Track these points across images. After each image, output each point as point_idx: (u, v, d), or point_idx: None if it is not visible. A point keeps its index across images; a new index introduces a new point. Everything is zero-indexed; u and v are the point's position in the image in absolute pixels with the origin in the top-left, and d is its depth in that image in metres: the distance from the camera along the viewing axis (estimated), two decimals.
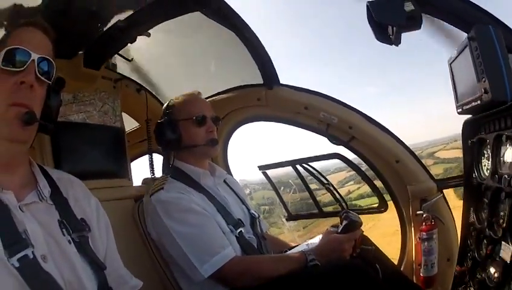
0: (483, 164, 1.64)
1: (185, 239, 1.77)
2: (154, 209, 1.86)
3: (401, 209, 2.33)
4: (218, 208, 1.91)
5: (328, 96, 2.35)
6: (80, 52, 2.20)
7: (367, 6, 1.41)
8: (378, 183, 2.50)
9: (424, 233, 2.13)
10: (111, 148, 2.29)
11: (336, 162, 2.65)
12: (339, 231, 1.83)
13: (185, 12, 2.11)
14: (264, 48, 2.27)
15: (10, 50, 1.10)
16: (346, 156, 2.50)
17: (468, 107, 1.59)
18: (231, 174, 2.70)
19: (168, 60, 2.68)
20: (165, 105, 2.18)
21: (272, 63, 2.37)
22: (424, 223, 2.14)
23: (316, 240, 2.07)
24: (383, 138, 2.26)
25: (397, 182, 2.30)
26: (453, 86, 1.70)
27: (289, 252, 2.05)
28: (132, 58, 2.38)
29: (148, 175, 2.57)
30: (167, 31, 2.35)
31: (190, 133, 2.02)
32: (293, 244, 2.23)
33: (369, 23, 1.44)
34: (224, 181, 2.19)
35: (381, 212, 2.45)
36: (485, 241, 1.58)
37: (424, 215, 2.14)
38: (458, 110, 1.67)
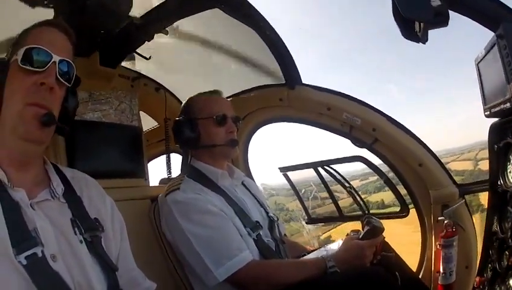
0: (508, 171, 1.56)
1: (201, 241, 1.73)
2: (169, 210, 1.83)
3: (423, 214, 2.27)
4: (236, 210, 1.86)
5: (351, 96, 2.28)
6: (97, 51, 2.15)
7: (393, 1, 1.31)
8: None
9: (444, 240, 2.07)
10: (127, 147, 2.25)
11: (350, 170, 2.61)
12: (360, 236, 1.78)
13: (203, 9, 2.07)
14: (285, 46, 2.21)
15: (30, 49, 1.09)
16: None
17: (496, 109, 1.49)
18: (252, 177, 2.67)
19: (186, 58, 2.63)
20: (184, 102, 2.14)
21: (294, 62, 2.30)
22: (445, 230, 2.07)
23: (335, 245, 2.02)
24: (406, 140, 2.20)
25: (419, 186, 2.24)
26: (480, 87, 1.60)
27: (307, 256, 2.00)
28: (150, 57, 2.33)
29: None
30: (186, 29, 2.31)
31: (209, 133, 1.97)
32: (311, 249, 2.19)
33: (394, 19, 1.35)
34: (242, 183, 2.14)
35: (403, 217, 2.39)
36: (507, 252, 1.50)
37: (446, 221, 2.07)
38: (486, 113, 1.58)
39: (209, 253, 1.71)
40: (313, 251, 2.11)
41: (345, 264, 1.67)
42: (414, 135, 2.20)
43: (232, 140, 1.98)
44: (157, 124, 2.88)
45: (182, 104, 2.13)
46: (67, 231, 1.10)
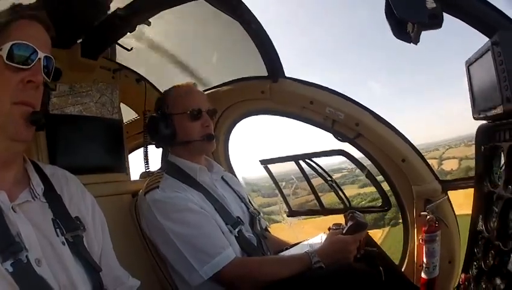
0: (495, 172, 1.59)
1: (183, 240, 1.71)
2: (148, 209, 1.80)
3: (405, 209, 2.29)
4: (217, 207, 1.85)
5: (335, 91, 2.28)
6: (78, 42, 2.08)
7: (386, 0, 1.30)
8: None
9: (427, 235, 2.08)
10: (108, 141, 2.22)
11: (329, 163, 2.62)
12: (344, 231, 1.79)
13: (187, 0, 2.02)
14: (270, 39, 2.19)
15: (16, 45, 1.05)
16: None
17: (486, 114, 1.52)
18: (233, 171, 2.66)
19: (167, 49, 2.58)
20: (158, 97, 2.10)
21: (278, 54, 2.28)
22: (427, 225, 2.08)
23: (318, 239, 2.03)
24: (389, 136, 2.20)
25: (402, 182, 2.25)
26: (470, 89, 1.63)
27: (290, 250, 2.02)
28: (132, 48, 2.28)
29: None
30: (168, 20, 2.26)
31: (184, 128, 1.94)
32: (292, 243, 2.18)
33: (386, 18, 1.33)
34: (222, 178, 2.12)
35: (385, 211, 2.40)
36: (492, 251, 1.51)
37: (428, 216, 2.08)
38: (474, 116, 1.61)
39: (192, 252, 1.69)
40: (294, 244, 2.11)
41: (329, 259, 1.68)
42: (397, 130, 2.20)
43: (208, 134, 1.94)
44: (137, 115, 2.83)
45: (157, 98, 2.09)
46: (50, 233, 1.09)
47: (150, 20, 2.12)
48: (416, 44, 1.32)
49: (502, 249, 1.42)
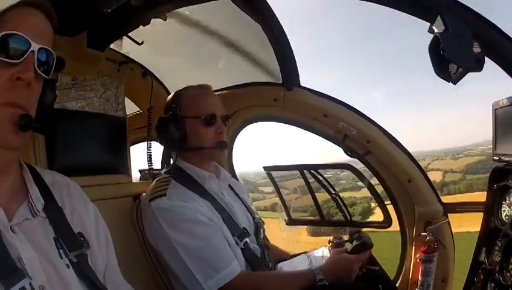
0: (503, 209, 1.70)
1: (188, 251, 1.66)
2: (153, 216, 1.73)
3: (405, 227, 2.35)
4: (224, 217, 1.80)
5: (349, 105, 2.26)
6: (85, 30, 1.89)
7: (436, 37, 1.31)
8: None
9: (425, 255, 2.17)
10: (111, 140, 2.08)
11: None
12: (349, 250, 1.83)
13: None
14: (290, 46, 2.10)
15: (5, 36, 0.92)
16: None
17: (506, 159, 1.62)
18: (235, 176, 2.60)
19: (179, 45, 2.43)
20: (169, 97, 1.98)
21: (296, 63, 2.20)
22: (427, 245, 2.17)
23: (319, 253, 2.06)
24: (398, 155, 2.23)
25: (405, 202, 2.30)
26: (493, 131, 1.70)
27: (291, 261, 2.05)
28: (142, 42, 2.11)
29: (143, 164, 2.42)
30: (183, 15, 2.12)
31: (197, 133, 1.85)
32: (293, 253, 2.20)
33: (430, 54, 1.36)
34: (229, 185, 2.06)
35: (385, 227, 2.46)
36: (492, 284, 1.65)
37: (428, 237, 2.17)
38: (494, 158, 1.70)
39: (197, 264, 1.65)
40: (294, 255, 2.13)
41: (332, 276, 1.70)
42: (406, 150, 2.23)
43: (221, 142, 1.87)
44: (138, 109, 2.68)
45: (168, 98, 1.98)
46: (53, 255, 1.00)
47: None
48: (454, 84, 1.37)
49: (502, 283, 1.56)
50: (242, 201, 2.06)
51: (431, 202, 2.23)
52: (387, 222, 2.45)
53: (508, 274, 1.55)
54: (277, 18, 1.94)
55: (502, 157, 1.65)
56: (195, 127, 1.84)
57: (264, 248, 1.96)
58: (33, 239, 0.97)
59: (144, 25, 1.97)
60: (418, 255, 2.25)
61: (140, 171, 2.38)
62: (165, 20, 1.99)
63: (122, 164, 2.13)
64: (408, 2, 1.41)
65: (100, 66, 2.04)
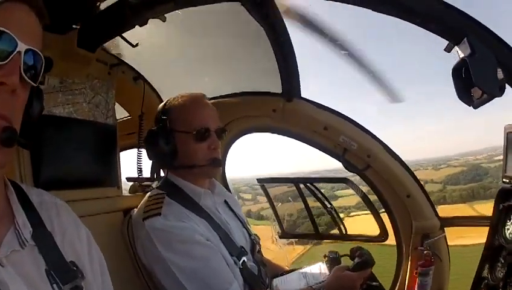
0: (507, 228, 1.75)
1: (186, 273, 1.55)
2: (147, 236, 1.60)
3: (401, 241, 2.35)
4: (221, 236, 1.69)
5: (350, 119, 2.22)
6: (75, 28, 1.71)
7: (463, 61, 1.30)
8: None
9: (422, 268, 2.18)
10: (101, 150, 1.91)
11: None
12: (351, 267, 1.81)
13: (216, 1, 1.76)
14: (294, 54, 2.01)
15: None
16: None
17: None
18: (228, 187, 2.48)
19: (174, 49, 2.27)
20: (159, 107, 1.83)
21: (298, 73, 2.13)
22: (424, 259, 2.18)
23: (316, 268, 2.04)
24: (398, 170, 2.22)
25: (403, 216, 2.30)
26: (504, 155, 1.76)
27: (286, 276, 2.01)
28: (137, 44, 1.94)
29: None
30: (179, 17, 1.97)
31: (188, 150, 1.71)
32: (287, 268, 2.16)
33: (453, 77, 1.36)
34: (224, 201, 1.95)
35: (382, 241, 2.45)
36: None
37: (425, 251, 2.18)
38: (504, 180, 1.75)
39: (195, 287, 1.55)
40: (289, 271, 2.09)
41: None
42: (406, 165, 2.24)
43: (215, 159, 1.74)
44: (127, 114, 2.49)
45: (158, 108, 1.83)
46: None
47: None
48: (475, 108, 1.40)
49: None
50: (237, 217, 1.95)
51: (429, 217, 2.24)
52: (383, 235, 2.44)
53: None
54: (285, 24, 1.85)
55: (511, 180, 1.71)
56: (186, 143, 1.71)
57: (260, 264, 1.88)
58: (23, 272, 0.84)
59: (140, 26, 1.80)
60: (414, 268, 2.26)
61: (128, 179, 2.19)
62: (164, 21, 1.83)
63: (112, 176, 1.96)
64: (436, 23, 1.38)
65: (90, 68, 1.84)
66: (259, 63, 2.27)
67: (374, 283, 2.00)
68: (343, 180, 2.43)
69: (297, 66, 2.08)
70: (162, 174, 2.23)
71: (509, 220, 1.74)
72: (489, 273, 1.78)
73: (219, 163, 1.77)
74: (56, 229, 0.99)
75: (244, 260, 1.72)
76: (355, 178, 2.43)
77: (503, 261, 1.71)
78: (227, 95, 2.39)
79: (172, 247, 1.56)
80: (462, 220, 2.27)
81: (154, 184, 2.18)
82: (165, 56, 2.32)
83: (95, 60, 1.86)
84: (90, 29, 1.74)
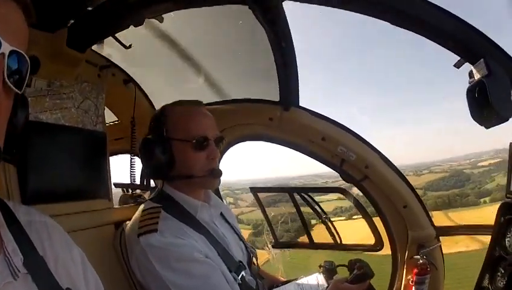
0: (507, 240, 1.79)
1: None
2: (143, 254, 1.49)
3: (396, 250, 2.34)
4: (220, 252, 1.61)
5: (349, 129, 2.18)
6: (65, 26, 1.57)
7: (481, 81, 1.34)
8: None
9: (418, 277, 2.18)
10: (90, 160, 1.77)
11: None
12: (350, 279, 1.78)
13: (226, 2, 1.66)
14: (296, 62, 1.92)
15: None
16: None
17: None
18: (220, 196, 2.38)
19: (164, 53, 2.13)
20: (155, 113, 1.72)
21: (298, 81, 2.04)
22: (420, 268, 2.18)
23: (313, 280, 2.01)
24: (395, 181, 2.20)
25: (399, 226, 2.29)
26: (509, 171, 1.77)
27: (281, 288, 1.93)
28: (131, 45, 1.80)
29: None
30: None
31: (186, 159, 1.61)
32: (283, 279, 2.10)
33: (468, 97, 1.41)
34: (220, 213, 1.85)
35: (377, 250, 2.44)
36: None
37: (421, 260, 2.18)
38: (508, 195, 1.78)
39: None
40: (285, 282, 2.02)
41: None
42: (403, 175, 2.23)
43: (214, 170, 1.64)
44: (115, 118, 2.34)
45: (154, 115, 1.71)
46: None
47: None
48: (486, 128, 1.45)
49: None
50: (233, 229, 1.87)
51: (425, 227, 2.25)
52: (379, 245, 2.43)
53: None
54: (290, 30, 1.76)
55: None
56: (185, 152, 1.60)
57: (257, 278, 1.82)
58: None
59: (136, 26, 1.67)
60: (409, 277, 2.26)
61: (115, 185, 2.05)
62: (161, 21, 1.72)
63: (103, 187, 1.82)
64: (454, 41, 1.38)
65: (79, 69, 1.70)
66: (256, 69, 2.20)
67: None
68: (339, 189, 2.39)
69: (297, 74, 1.99)
70: (152, 182, 2.12)
71: (510, 232, 1.78)
72: (489, 283, 1.80)
73: (219, 174, 1.67)
74: (48, 253, 0.89)
75: (243, 275, 1.65)
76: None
77: (503, 271, 1.75)
78: (222, 102, 2.30)
79: (170, 265, 1.45)
80: (457, 230, 2.30)
81: (147, 195, 2.06)
82: (156, 59, 2.19)
83: (84, 62, 1.71)
84: (81, 28, 1.60)
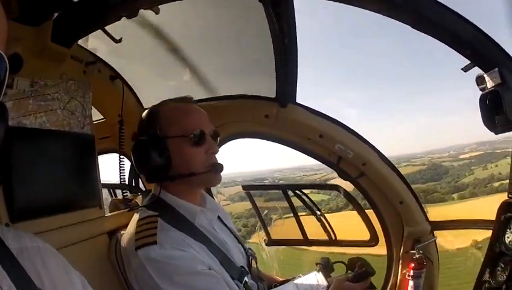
0: (507, 236, 1.86)
1: None
2: (142, 267, 1.38)
3: (392, 245, 2.36)
4: (221, 260, 1.52)
5: (347, 126, 2.14)
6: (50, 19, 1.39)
7: (496, 91, 1.39)
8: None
9: (415, 271, 2.21)
10: (79, 166, 1.62)
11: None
12: (351, 277, 1.77)
13: None
14: (297, 58, 1.82)
15: None
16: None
17: None
18: (212, 194, 2.29)
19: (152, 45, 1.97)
20: (145, 114, 1.58)
21: (297, 78, 1.95)
22: (416, 262, 2.21)
23: (312, 279, 1.97)
24: (391, 177, 2.20)
25: (395, 222, 2.30)
26: (511, 172, 1.84)
27: (281, 288, 1.88)
28: (121, 39, 1.64)
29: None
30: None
31: (185, 156, 1.49)
32: (280, 279, 2.05)
33: (480, 103, 1.46)
34: (218, 217, 1.74)
35: (372, 246, 2.44)
36: None
37: (417, 255, 2.21)
38: (510, 196, 1.85)
39: None
40: (283, 281, 1.98)
41: None
42: (399, 172, 2.23)
43: (215, 165, 1.54)
44: (101, 117, 2.16)
45: (143, 115, 1.58)
46: None
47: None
48: (496, 134, 1.55)
49: None
50: (231, 232, 1.77)
51: (420, 222, 2.27)
52: (374, 240, 2.44)
53: None
54: (295, 27, 1.67)
55: None
56: (182, 149, 1.49)
57: (258, 280, 1.75)
58: None
59: (128, 17, 1.51)
60: (404, 271, 2.29)
61: (102, 185, 1.90)
62: (157, 13, 1.56)
63: (93, 195, 1.67)
64: (472, 49, 1.38)
65: (64, 66, 1.53)
66: (248, 64, 2.11)
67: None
68: (335, 187, 2.37)
69: (297, 71, 1.90)
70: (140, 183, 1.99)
71: (509, 229, 1.86)
72: (490, 277, 1.88)
73: (220, 168, 1.56)
74: (46, 283, 0.82)
75: (245, 280, 1.58)
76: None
77: (503, 266, 1.84)
78: (215, 98, 2.18)
79: (172, 279, 1.36)
80: (452, 224, 2.34)
81: (138, 199, 1.93)
82: (143, 52, 2.03)
83: (69, 57, 1.55)
84: (68, 20, 1.43)
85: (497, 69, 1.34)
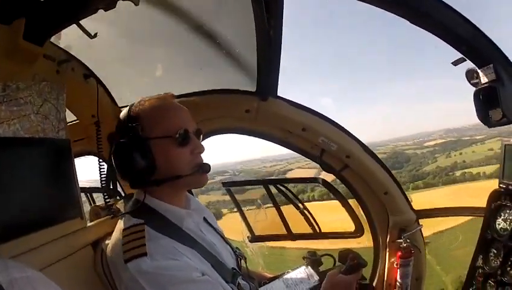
0: (497, 223, 1.99)
1: None
2: (133, 280, 1.29)
3: (378, 235, 2.40)
4: (213, 263, 1.46)
5: (330, 119, 2.13)
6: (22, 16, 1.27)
7: (494, 87, 1.46)
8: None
9: (403, 260, 2.27)
10: (56, 174, 1.51)
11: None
12: (343, 270, 1.72)
13: None
14: (280, 52, 1.79)
15: None
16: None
17: (509, 185, 1.95)
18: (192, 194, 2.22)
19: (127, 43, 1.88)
20: (123, 113, 1.46)
21: (279, 71, 1.91)
22: (404, 251, 2.26)
23: (301, 273, 1.99)
24: (375, 169, 2.23)
25: (379, 212, 2.33)
26: (501, 164, 1.98)
27: (270, 284, 1.91)
28: (96, 34, 1.52)
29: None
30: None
31: (170, 157, 1.40)
32: (269, 276, 2.03)
33: (474, 98, 1.56)
34: (203, 218, 1.68)
35: (358, 237, 2.47)
36: (492, 283, 1.94)
37: (405, 244, 2.26)
38: (500, 185, 1.98)
39: None
40: (272, 278, 1.98)
41: None
42: (383, 163, 2.25)
43: (203, 165, 1.46)
44: (74, 119, 2.01)
45: (122, 115, 1.46)
46: None
47: None
48: (489, 127, 1.64)
49: (503, 281, 1.86)
50: (218, 233, 1.72)
51: (405, 211, 2.32)
52: (359, 231, 2.47)
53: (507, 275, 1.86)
54: (282, 22, 1.63)
55: (508, 187, 1.93)
56: (167, 150, 1.39)
57: (249, 280, 1.71)
58: None
59: (106, 10, 1.39)
60: (392, 260, 2.34)
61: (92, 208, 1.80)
62: (137, 4, 1.45)
63: (73, 205, 1.56)
64: (466, 45, 1.43)
65: (36, 66, 1.41)
66: (226, 57, 1.98)
67: (364, 281, 2.02)
68: (318, 180, 2.38)
69: (279, 63, 1.86)
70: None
71: (500, 216, 1.96)
72: (483, 263, 1.98)
73: (207, 168, 1.48)
74: None
75: (239, 283, 1.55)
76: None
77: (495, 252, 1.95)
78: (193, 94, 2.09)
79: None
80: (436, 212, 2.41)
81: (119, 204, 1.83)
82: (116, 51, 1.92)
83: (42, 57, 1.43)
84: (40, 16, 1.31)
85: (492, 65, 1.40)
